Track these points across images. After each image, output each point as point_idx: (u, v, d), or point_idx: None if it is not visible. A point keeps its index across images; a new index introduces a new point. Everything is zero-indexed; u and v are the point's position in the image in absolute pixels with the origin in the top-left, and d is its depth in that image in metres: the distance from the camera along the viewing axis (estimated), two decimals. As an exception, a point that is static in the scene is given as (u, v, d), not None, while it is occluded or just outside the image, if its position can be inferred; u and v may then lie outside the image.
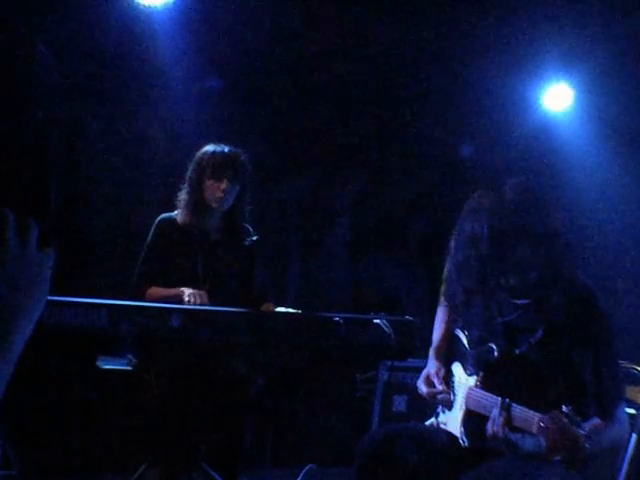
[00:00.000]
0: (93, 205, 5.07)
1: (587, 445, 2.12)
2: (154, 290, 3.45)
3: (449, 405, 2.72)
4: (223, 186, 3.48)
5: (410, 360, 3.64)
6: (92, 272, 4.89)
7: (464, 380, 2.67)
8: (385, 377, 4.30)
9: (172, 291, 3.40)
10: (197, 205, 3.53)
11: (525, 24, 4.86)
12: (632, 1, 4.67)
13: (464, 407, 2.62)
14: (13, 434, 3.47)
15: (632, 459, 2.84)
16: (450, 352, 2.81)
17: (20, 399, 3.31)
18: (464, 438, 2.60)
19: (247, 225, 3.67)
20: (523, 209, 2.47)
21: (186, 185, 3.58)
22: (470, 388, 2.60)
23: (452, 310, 2.81)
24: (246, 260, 3.65)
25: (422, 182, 6.10)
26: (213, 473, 3.45)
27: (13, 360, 1.04)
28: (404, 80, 5.49)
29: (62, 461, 3.74)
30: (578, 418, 2.16)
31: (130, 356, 3.43)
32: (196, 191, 3.53)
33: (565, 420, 2.15)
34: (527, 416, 2.30)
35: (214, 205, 3.52)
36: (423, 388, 2.77)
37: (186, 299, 3.29)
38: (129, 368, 3.51)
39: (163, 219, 3.59)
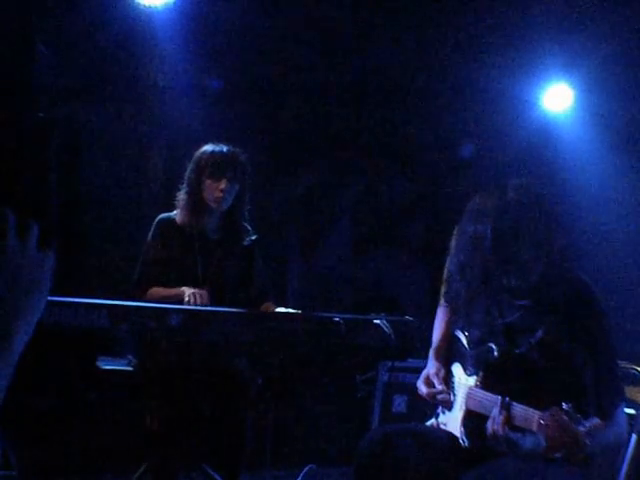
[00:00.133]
0: (93, 205, 5.07)
1: (587, 442, 2.12)
2: (155, 290, 3.45)
3: (449, 405, 2.72)
4: (222, 186, 3.47)
5: (410, 360, 3.64)
6: (92, 272, 4.89)
7: (464, 380, 2.67)
8: (385, 377, 4.30)
9: (173, 291, 3.40)
10: (196, 205, 3.53)
11: (525, 24, 4.86)
12: (632, 0, 4.67)
13: (464, 407, 2.62)
14: (13, 434, 3.47)
15: (632, 459, 2.84)
16: (450, 353, 2.81)
17: (20, 399, 3.31)
18: (464, 438, 2.60)
19: (246, 225, 3.66)
20: (525, 210, 2.48)
21: (185, 185, 3.57)
22: (470, 388, 2.60)
23: (453, 311, 2.81)
24: (246, 260, 3.65)
25: (423, 182, 6.11)
26: (213, 474, 3.45)
27: (13, 361, 1.04)
28: (405, 80, 5.49)
29: (62, 461, 3.74)
30: (578, 415, 2.16)
31: (130, 356, 3.43)
32: (195, 191, 3.52)
33: (565, 417, 2.15)
34: (527, 414, 2.30)
35: (213, 205, 3.51)
36: (423, 389, 2.77)
37: (186, 299, 3.29)
38: (129, 368, 3.51)
39: (162, 219, 3.59)
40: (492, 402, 2.44)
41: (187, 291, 3.33)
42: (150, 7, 4.52)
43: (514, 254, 2.47)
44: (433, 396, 2.74)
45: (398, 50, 5.20)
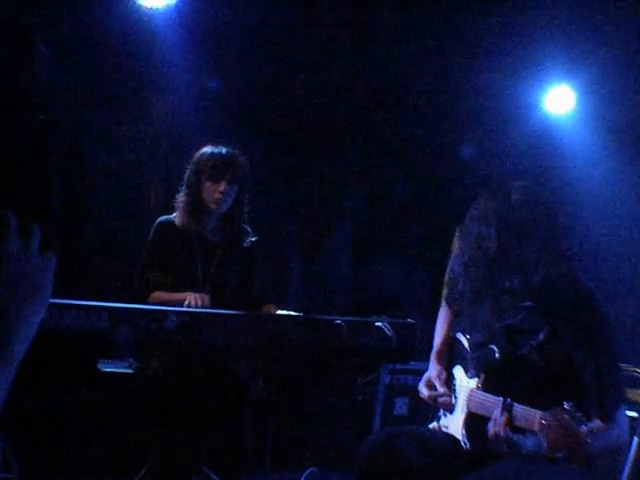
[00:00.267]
0: (94, 207, 5.06)
1: (589, 441, 2.12)
2: (157, 294, 3.42)
3: (451, 408, 2.71)
4: (221, 188, 3.46)
5: (412, 363, 3.64)
6: (92, 274, 4.89)
7: (465, 383, 2.66)
8: (387, 380, 4.29)
9: (175, 296, 3.37)
10: (196, 207, 3.51)
11: (527, 26, 4.85)
12: (634, 3, 4.66)
13: (466, 410, 2.62)
14: (13, 437, 3.46)
15: (634, 462, 2.83)
16: (451, 355, 2.81)
17: (21, 402, 3.30)
18: (466, 441, 2.59)
19: (246, 226, 3.65)
20: (530, 212, 2.49)
21: (184, 187, 3.55)
22: (472, 390, 2.60)
23: (455, 312, 2.81)
24: (246, 262, 3.64)
25: (424, 184, 6.10)
26: (214, 476, 3.45)
27: (15, 366, 1.03)
28: (405, 82, 5.49)
29: (62, 464, 3.74)
30: (580, 414, 2.16)
31: (130, 359, 3.42)
32: (194, 193, 3.51)
33: (567, 417, 2.15)
34: (529, 414, 2.30)
35: (213, 207, 3.50)
36: (425, 391, 2.77)
37: (186, 302, 3.27)
38: (130, 371, 3.50)
39: (162, 222, 3.58)
40: (493, 404, 2.44)
41: (189, 296, 3.32)
42: (151, 8, 4.52)
43: (518, 256, 2.48)
44: (435, 399, 2.74)
45: (399, 51, 5.19)
